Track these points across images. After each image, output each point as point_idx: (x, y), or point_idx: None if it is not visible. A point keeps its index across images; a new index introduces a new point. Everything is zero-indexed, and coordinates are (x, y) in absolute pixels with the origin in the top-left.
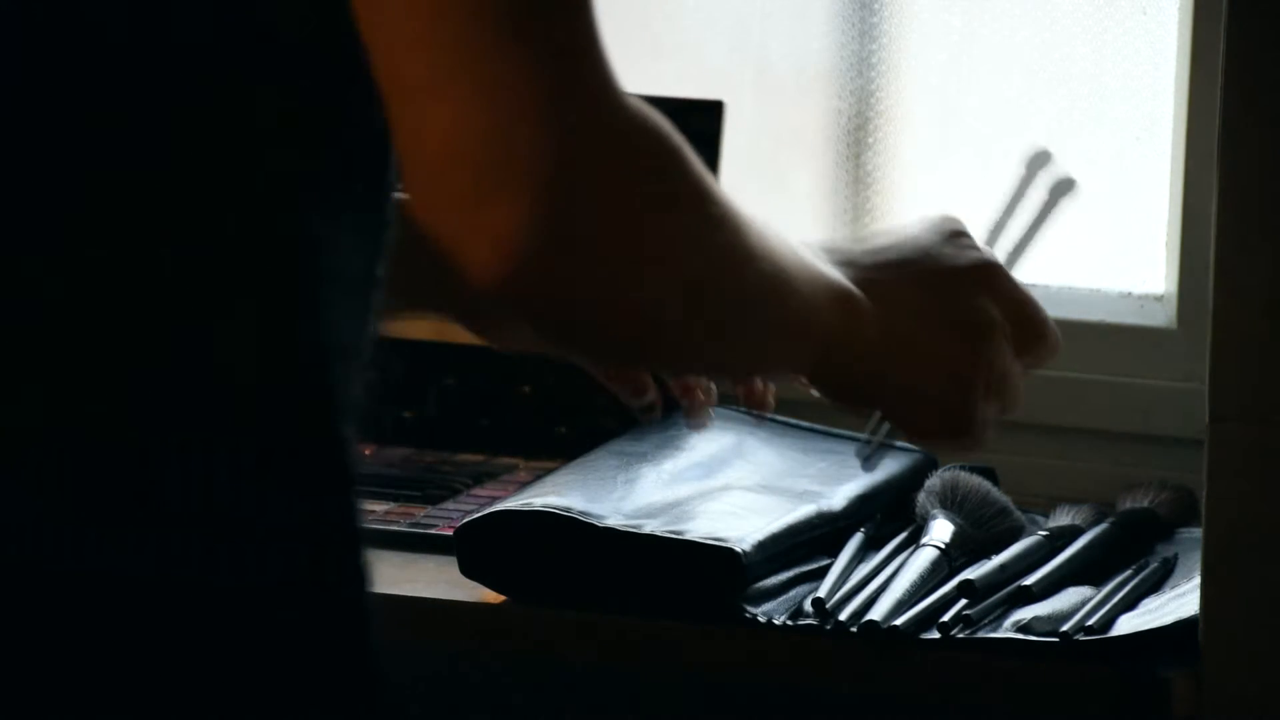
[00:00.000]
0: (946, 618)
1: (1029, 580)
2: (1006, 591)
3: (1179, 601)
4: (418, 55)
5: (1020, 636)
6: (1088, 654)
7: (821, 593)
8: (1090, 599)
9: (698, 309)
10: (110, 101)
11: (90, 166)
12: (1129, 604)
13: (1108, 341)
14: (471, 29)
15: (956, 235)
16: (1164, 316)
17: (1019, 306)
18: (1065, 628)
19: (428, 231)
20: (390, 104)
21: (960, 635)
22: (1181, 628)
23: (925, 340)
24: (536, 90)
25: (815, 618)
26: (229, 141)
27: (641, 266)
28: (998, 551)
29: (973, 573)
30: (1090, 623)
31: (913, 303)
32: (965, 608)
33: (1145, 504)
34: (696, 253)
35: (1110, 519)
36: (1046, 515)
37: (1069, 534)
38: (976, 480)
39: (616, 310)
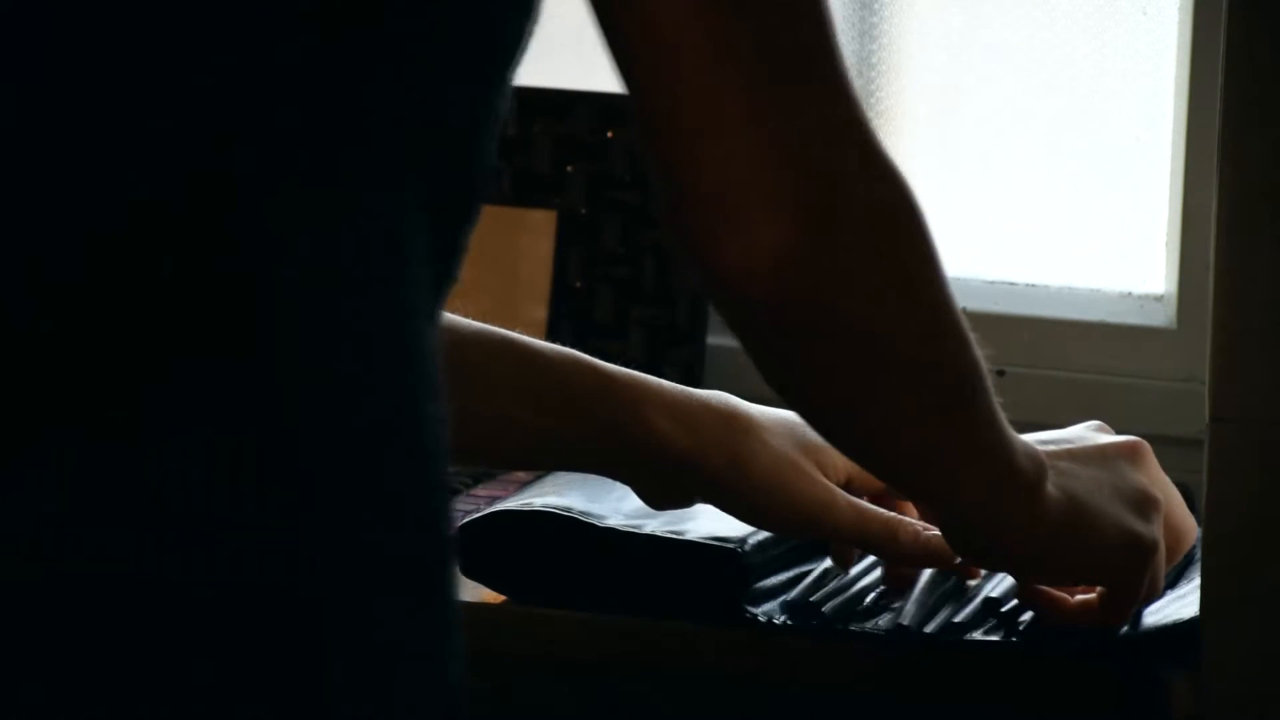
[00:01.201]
0: (948, 618)
1: None
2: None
3: (1179, 602)
4: (691, 102)
5: (1020, 637)
6: (1088, 654)
7: (820, 593)
8: None
9: (926, 358)
10: (120, 108)
11: (91, 164)
12: None
13: (1108, 341)
14: (743, 79)
15: (1101, 429)
16: (1164, 316)
17: (1168, 490)
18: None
19: (687, 252)
20: (659, 142)
21: (960, 633)
22: (1181, 628)
23: (1106, 511)
24: (804, 133)
25: (815, 618)
26: (238, 142)
27: (886, 296)
28: None
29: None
30: None
31: (1084, 476)
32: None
33: None
34: (934, 303)
35: None
36: None
37: None
38: None
39: (853, 337)
